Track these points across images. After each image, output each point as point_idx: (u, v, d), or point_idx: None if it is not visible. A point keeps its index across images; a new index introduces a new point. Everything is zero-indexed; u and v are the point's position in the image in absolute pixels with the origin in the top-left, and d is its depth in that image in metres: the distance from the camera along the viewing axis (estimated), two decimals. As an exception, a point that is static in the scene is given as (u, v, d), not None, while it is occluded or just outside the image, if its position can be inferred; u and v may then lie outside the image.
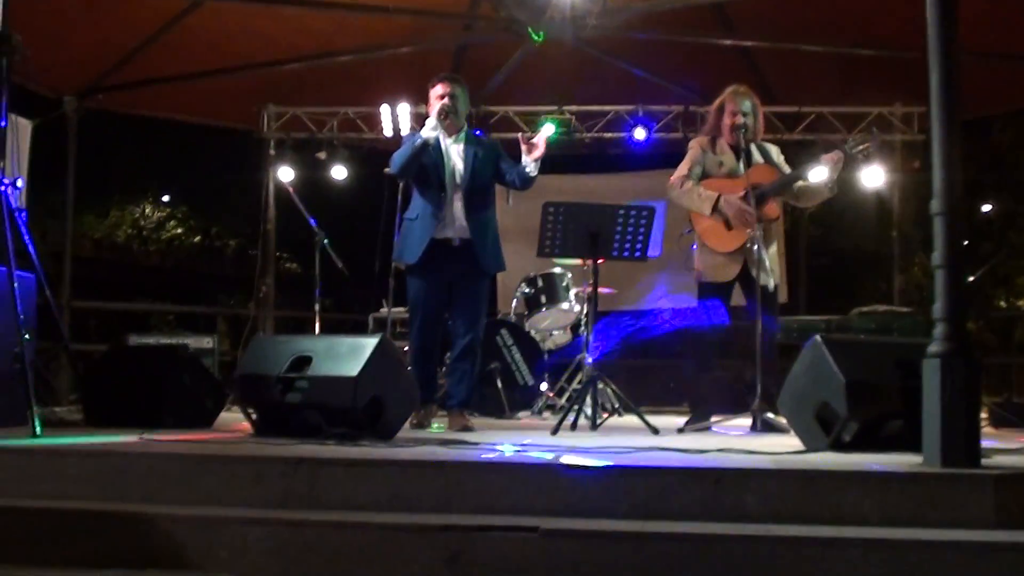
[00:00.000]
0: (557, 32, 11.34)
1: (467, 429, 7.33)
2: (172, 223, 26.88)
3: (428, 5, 12.11)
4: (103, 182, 23.77)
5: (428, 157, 7.58)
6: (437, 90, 7.71)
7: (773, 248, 7.68)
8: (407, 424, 7.07)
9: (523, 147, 7.52)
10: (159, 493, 4.75)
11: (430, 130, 7.52)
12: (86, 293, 15.73)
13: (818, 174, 7.53)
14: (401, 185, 8.50)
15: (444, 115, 7.56)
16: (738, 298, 7.86)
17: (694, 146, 7.98)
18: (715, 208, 7.63)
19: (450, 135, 7.73)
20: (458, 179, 7.64)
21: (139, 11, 11.55)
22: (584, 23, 11.24)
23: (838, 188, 7.69)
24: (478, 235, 7.62)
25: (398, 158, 7.64)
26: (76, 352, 7.75)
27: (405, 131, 11.86)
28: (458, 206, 7.60)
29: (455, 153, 7.70)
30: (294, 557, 4.23)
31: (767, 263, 7.41)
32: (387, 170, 8.37)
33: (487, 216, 7.76)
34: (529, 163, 7.50)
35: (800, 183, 7.70)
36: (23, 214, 7.07)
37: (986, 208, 23.31)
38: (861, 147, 7.56)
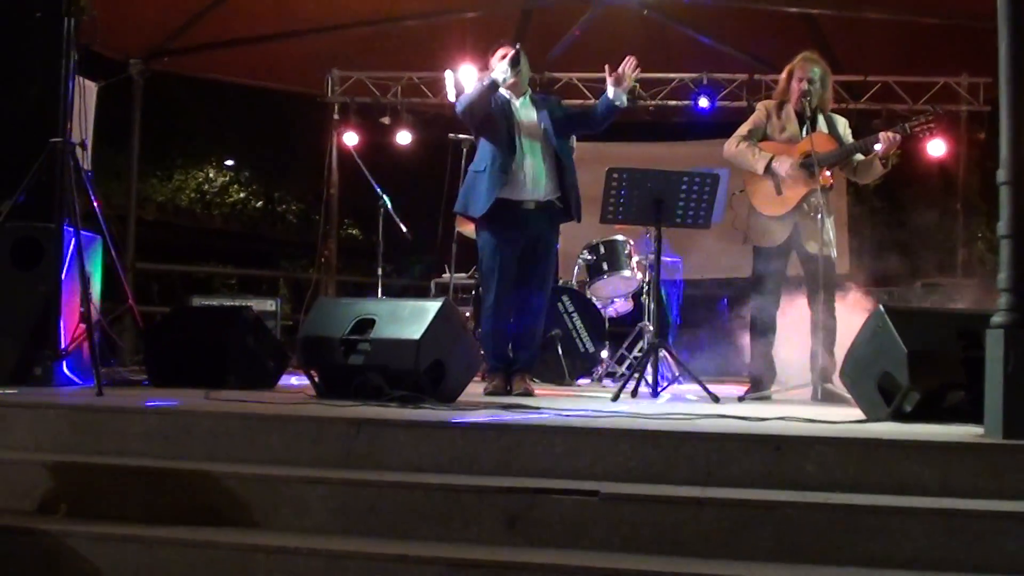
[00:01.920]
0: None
1: (528, 393, 7.36)
2: (235, 187, 26.96)
3: (493, -32, 12.10)
4: (167, 145, 23.89)
5: (498, 113, 7.53)
6: (501, 52, 7.66)
7: (832, 218, 7.62)
8: (482, 390, 7.14)
9: (610, 78, 7.43)
10: (222, 452, 4.83)
11: (500, 72, 7.41)
12: (149, 256, 15.84)
13: (875, 148, 7.48)
14: (466, 150, 8.48)
15: (515, 63, 7.48)
16: (796, 268, 7.83)
17: (759, 109, 7.98)
18: (768, 168, 7.61)
19: (516, 97, 7.70)
20: (532, 138, 7.55)
21: (205, -26, 11.63)
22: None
23: (901, 160, 7.64)
24: (566, 187, 7.58)
25: (465, 98, 7.57)
26: (139, 314, 7.82)
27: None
28: (533, 167, 7.49)
29: (526, 114, 7.65)
30: (355, 516, 4.28)
31: (829, 233, 7.37)
32: (452, 135, 8.36)
33: (570, 167, 7.70)
34: (621, 95, 7.46)
35: (858, 157, 7.66)
36: (89, 175, 7.15)
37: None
38: (921, 126, 7.51)
